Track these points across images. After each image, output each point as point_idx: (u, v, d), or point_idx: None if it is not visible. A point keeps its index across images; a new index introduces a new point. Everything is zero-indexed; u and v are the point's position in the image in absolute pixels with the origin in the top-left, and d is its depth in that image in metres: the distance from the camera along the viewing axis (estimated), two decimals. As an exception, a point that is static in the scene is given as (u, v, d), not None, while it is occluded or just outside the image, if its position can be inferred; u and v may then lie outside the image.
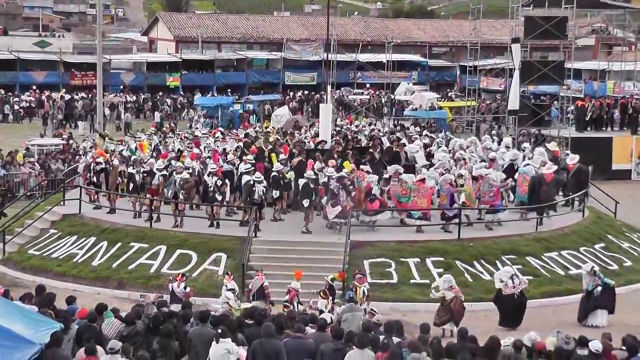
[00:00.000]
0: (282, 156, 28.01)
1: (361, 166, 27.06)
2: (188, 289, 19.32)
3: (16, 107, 60.38)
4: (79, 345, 13.61)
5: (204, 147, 31.49)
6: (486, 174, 26.43)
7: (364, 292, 19.68)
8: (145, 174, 26.61)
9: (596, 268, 21.89)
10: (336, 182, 24.86)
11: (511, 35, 43.54)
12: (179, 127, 48.59)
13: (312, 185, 25.54)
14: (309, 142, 32.33)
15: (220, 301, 18.71)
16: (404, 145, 31.21)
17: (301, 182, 25.74)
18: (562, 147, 36.92)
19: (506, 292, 20.76)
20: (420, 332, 14.76)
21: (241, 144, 32.04)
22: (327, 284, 19.81)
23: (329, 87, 33.80)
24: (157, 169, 26.58)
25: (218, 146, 31.52)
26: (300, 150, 29.27)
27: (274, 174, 26.26)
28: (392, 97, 62.64)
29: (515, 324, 20.64)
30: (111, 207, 27.41)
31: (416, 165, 29.30)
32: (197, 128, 46.97)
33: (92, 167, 28.45)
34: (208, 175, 25.95)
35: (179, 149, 31.64)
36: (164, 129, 44.71)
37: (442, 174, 26.80)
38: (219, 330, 13.58)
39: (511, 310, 20.77)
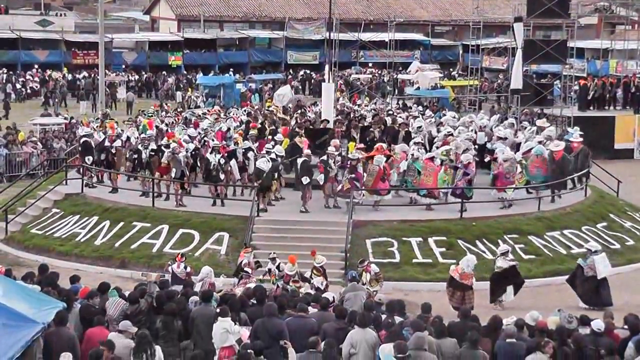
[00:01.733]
0: (280, 136, 27.93)
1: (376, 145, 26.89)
2: (189, 269, 19.27)
3: (18, 86, 60.19)
4: (82, 323, 13.68)
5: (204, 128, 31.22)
6: (502, 152, 26.33)
7: (364, 276, 19.61)
8: (152, 153, 26.50)
9: (593, 248, 21.56)
10: (340, 163, 24.95)
11: (514, 14, 43.38)
12: (180, 107, 48.45)
13: (311, 163, 25.46)
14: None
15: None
16: (406, 124, 31.07)
17: (299, 160, 25.57)
18: (563, 126, 36.83)
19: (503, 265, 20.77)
20: (422, 312, 14.78)
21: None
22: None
23: (327, 67, 33.62)
24: (164, 146, 26.36)
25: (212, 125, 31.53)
26: (299, 131, 29.13)
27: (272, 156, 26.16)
28: (395, 76, 62.46)
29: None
30: (113, 187, 27.40)
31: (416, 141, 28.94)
32: (197, 107, 46.82)
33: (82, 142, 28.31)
34: (211, 152, 25.82)
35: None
36: (166, 108, 44.61)
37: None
38: (218, 310, 13.61)
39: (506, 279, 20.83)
